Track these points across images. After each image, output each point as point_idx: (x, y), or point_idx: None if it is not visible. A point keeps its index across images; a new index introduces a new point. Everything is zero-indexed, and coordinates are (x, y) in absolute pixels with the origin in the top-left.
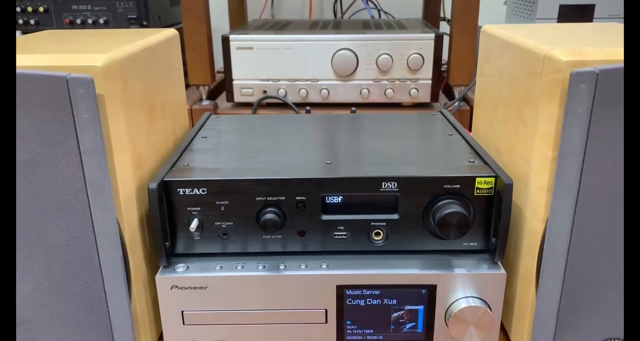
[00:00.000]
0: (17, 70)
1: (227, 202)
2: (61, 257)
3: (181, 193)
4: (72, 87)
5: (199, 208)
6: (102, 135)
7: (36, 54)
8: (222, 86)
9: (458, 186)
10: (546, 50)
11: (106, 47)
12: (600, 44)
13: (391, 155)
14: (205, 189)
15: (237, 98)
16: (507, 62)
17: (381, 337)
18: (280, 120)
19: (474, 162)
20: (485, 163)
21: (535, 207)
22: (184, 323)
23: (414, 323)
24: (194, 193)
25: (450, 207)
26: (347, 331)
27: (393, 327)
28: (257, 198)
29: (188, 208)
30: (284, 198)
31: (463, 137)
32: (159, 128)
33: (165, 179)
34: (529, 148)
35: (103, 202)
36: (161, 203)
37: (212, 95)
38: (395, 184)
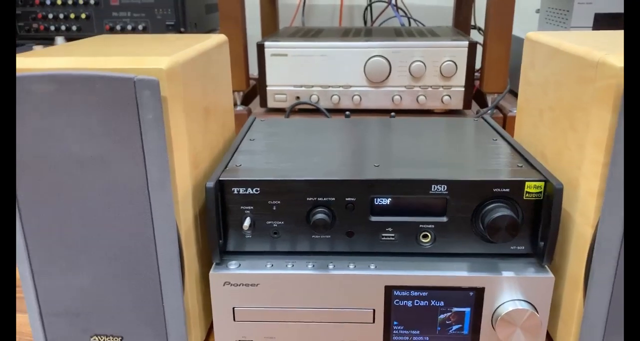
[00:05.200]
0: (89, 72)
1: (278, 202)
2: (121, 252)
3: (235, 192)
4: (139, 89)
5: (252, 208)
6: (164, 135)
7: (103, 56)
8: (255, 92)
9: (507, 190)
10: (599, 57)
11: (168, 51)
12: None
13: (438, 158)
14: (258, 189)
15: (271, 104)
16: (555, 68)
17: (427, 338)
18: (322, 123)
19: (521, 166)
20: (534, 167)
21: (584, 212)
22: (234, 319)
23: (460, 325)
24: (247, 192)
25: (500, 211)
26: (394, 331)
27: (439, 329)
28: (307, 199)
29: (241, 207)
30: (334, 199)
31: (508, 142)
32: (212, 130)
33: (220, 179)
34: (579, 153)
35: (163, 198)
36: (217, 202)
37: (246, 100)
38: (445, 187)
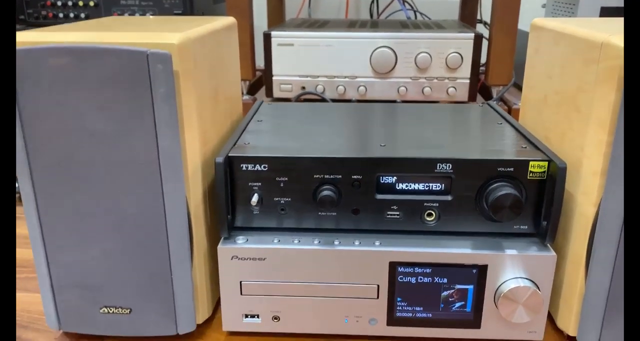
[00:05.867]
0: (102, 45)
1: (286, 179)
2: (131, 226)
3: (244, 168)
4: (152, 62)
5: (260, 184)
6: (176, 109)
7: (115, 32)
8: (261, 82)
9: (512, 169)
10: (604, 38)
11: (179, 28)
12: None
13: (444, 139)
14: (266, 165)
15: (276, 93)
16: (560, 52)
17: (430, 315)
18: (329, 107)
19: (525, 147)
20: (538, 148)
21: (587, 191)
22: (241, 293)
23: (463, 302)
24: (255, 169)
25: (504, 189)
26: (397, 307)
27: (442, 306)
28: (315, 176)
29: (249, 184)
30: (340, 176)
31: (513, 126)
32: (221, 109)
33: (230, 155)
34: (582, 134)
35: (174, 173)
36: (226, 178)
37: (251, 90)
38: (450, 166)
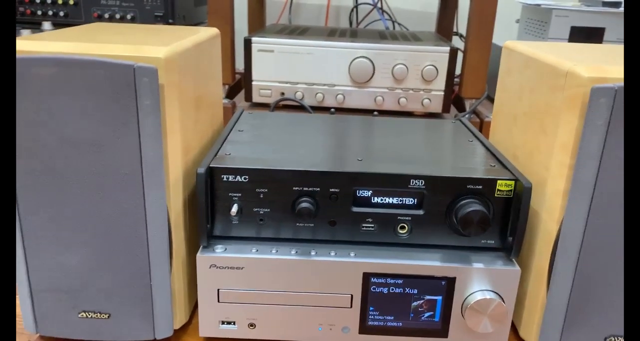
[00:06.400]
0: (90, 57)
1: (265, 190)
2: (112, 232)
3: (225, 179)
4: (138, 76)
5: (240, 194)
6: (160, 121)
7: (102, 43)
8: (240, 85)
9: (480, 187)
10: (569, 67)
11: (165, 41)
12: (619, 63)
13: (417, 156)
14: (247, 177)
15: (255, 98)
16: (529, 76)
17: (400, 324)
18: (308, 118)
19: (494, 166)
20: (505, 167)
21: (551, 209)
22: (218, 301)
23: (431, 313)
24: (236, 179)
25: (473, 206)
26: (370, 316)
27: (412, 315)
28: (294, 188)
29: (229, 194)
30: (318, 189)
31: (483, 144)
32: (202, 120)
33: (211, 165)
34: (548, 155)
35: (156, 182)
36: (206, 188)
37: (230, 94)
38: (423, 182)
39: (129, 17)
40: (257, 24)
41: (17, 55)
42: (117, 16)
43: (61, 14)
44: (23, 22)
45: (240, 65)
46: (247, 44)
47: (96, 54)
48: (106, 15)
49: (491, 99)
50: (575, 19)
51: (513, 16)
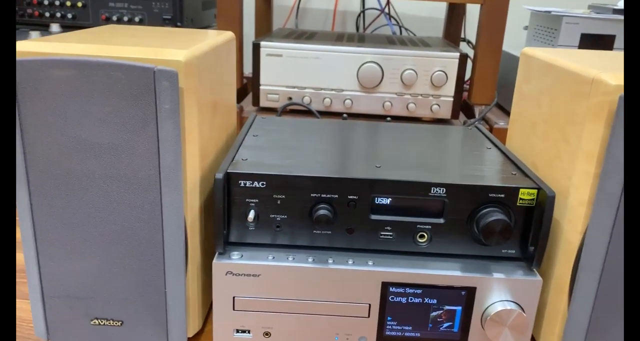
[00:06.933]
0: (109, 59)
1: (283, 196)
2: (128, 237)
3: (242, 185)
4: (158, 79)
5: (257, 200)
6: (179, 125)
7: (120, 45)
8: (246, 89)
9: (502, 195)
10: (595, 74)
11: (184, 44)
12: None
13: (436, 162)
14: (264, 183)
15: (263, 103)
16: (549, 83)
17: (418, 334)
18: (322, 123)
19: (515, 174)
20: (527, 176)
21: (573, 220)
22: (234, 309)
23: (451, 323)
24: (253, 185)
25: (495, 215)
26: (387, 326)
27: (431, 326)
28: (311, 195)
29: (246, 200)
30: (336, 196)
31: (501, 151)
32: (218, 123)
33: (228, 171)
34: (571, 164)
35: (174, 187)
36: (223, 193)
37: (237, 98)
38: (444, 190)
39: (137, 19)
40: (265, 28)
41: (34, 57)
42: (125, 19)
43: (69, 16)
44: (31, 23)
45: (247, 70)
46: (256, 48)
47: (115, 56)
48: (114, 18)
49: (499, 106)
50: (586, 26)
51: (521, 23)
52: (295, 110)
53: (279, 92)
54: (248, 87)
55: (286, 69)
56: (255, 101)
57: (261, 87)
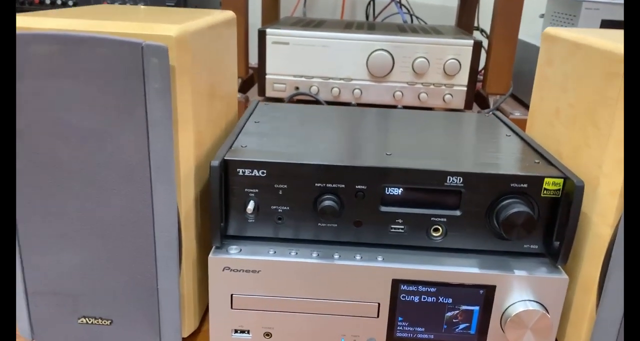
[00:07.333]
0: (94, 34)
1: (285, 186)
2: (116, 230)
3: (240, 173)
4: (147, 55)
5: (257, 191)
6: (171, 107)
7: (108, 20)
8: (253, 80)
9: (525, 185)
10: None
11: (177, 20)
12: None
13: (452, 150)
14: (265, 171)
15: (269, 92)
16: (576, 63)
17: (432, 336)
18: (329, 110)
19: (538, 162)
20: (552, 164)
21: (604, 212)
22: (232, 307)
23: (467, 324)
24: (253, 174)
25: (517, 207)
26: (398, 327)
27: (445, 327)
28: (316, 184)
29: (245, 190)
30: (343, 186)
31: (522, 139)
32: (216, 108)
33: (226, 158)
34: (601, 150)
35: (165, 175)
36: (220, 182)
37: (243, 89)
38: (461, 179)
39: (140, 5)
40: (272, 17)
41: (17, 32)
42: (129, 5)
43: (70, 2)
44: (30, 10)
45: (253, 60)
46: (262, 35)
47: (100, 30)
48: (117, 4)
49: (515, 97)
50: (607, 12)
51: (535, 10)
52: (303, 100)
53: (286, 82)
54: (255, 77)
55: (293, 58)
56: (261, 91)
57: (267, 77)
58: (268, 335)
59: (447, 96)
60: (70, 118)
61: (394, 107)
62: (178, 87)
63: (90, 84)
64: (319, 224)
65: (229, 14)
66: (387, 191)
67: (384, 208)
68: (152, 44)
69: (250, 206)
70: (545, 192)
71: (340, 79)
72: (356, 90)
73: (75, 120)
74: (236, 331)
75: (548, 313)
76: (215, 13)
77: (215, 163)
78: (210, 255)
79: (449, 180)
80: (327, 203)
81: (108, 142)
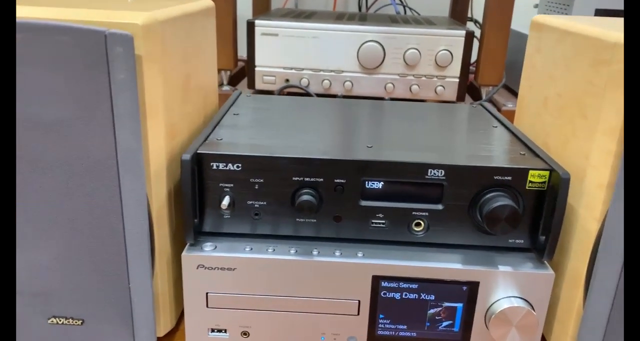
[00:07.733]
0: (52, 22)
1: (261, 180)
2: (84, 227)
3: (214, 167)
4: (111, 44)
5: (232, 185)
6: (137, 98)
7: (71, 7)
8: (243, 73)
9: (509, 178)
10: (617, 38)
11: (147, 7)
12: None
13: (435, 142)
14: (240, 165)
15: (259, 85)
16: (564, 51)
17: (414, 334)
18: (313, 102)
19: (524, 154)
20: (538, 156)
21: (590, 205)
22: (207, 306)
23: (450, 322)
24: (228, 168)
25: (501, 200)
26: (379, 325)
27: (428, 324)
28: (293, 178)
29: (220, 184)
30: (322, 179)
31: (509, 130)
32: (192, 100)
33: (199, 151)
34: (588, 141)
35: (133, 170)
36: (193, 177)
37: (233, 81)
38: (443, 172)
39: None
40: (262, 8)
41: None
42: None
43: None
44: None
45: (242, 52)
46: (250, 27)
47: (63, 18)
48: None
49: (508, 88)
50: (600, 1)
51: (531, 1)
52: (293, 92)
53: (276, 74)
54: (245, 70)
55: (283, 49)
56: (251, 83)
57: (256, 69)
58: (245, 334)
59: (439, 88)
60: (32, 111)
61: (385, 99)
62: (146, 77)
63: (53, 73)
64: (297, 220)
65: (207, 3)
66: (367, 185)
67: (364, 203)
68: (116, 32)
69: (225, 201)
70: (530, 184)
71: (331, 71)
72: (347, 83)
73: (38, 111)
74: (213, 331)
75: (534, 309)
76: (192, 1)
77: (187, 156)
78: (184, 253)
79: (430, 172)
80: (305, 197)
81: (73, 135)
